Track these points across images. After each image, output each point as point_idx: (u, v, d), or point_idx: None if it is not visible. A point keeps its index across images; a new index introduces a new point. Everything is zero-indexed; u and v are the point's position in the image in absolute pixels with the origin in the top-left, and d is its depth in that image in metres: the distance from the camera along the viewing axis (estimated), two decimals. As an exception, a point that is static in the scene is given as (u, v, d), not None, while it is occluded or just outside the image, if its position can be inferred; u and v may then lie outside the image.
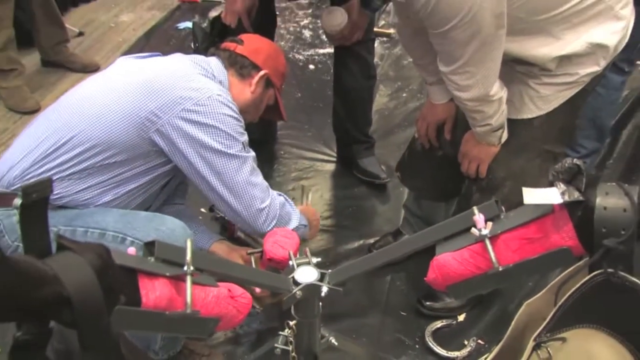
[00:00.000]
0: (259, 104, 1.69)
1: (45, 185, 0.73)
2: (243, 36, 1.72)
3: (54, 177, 1.39)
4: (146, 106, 1.40)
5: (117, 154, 1.42)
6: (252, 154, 1.51)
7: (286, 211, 1.57)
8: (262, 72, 1.63)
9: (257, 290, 1.32)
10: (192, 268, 0.90)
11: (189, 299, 0.87)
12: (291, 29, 3.74)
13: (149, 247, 0.91)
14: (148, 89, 1.41)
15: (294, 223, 1.57)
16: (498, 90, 1.43)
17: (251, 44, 1.67)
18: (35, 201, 0.71)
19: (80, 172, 1.41)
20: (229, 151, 1.44)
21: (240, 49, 1.64)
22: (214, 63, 1.59)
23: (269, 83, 1.68)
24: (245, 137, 1.49)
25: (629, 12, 1.42)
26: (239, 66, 1.62)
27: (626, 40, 1.45)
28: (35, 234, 0.72)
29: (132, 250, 0.91)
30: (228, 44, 1.67)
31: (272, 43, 1.81)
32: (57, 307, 0.66)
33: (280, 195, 1.60)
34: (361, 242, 2.18)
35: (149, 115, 1.40)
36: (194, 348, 1.66)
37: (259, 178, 1.51)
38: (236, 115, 1.47)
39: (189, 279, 0.89)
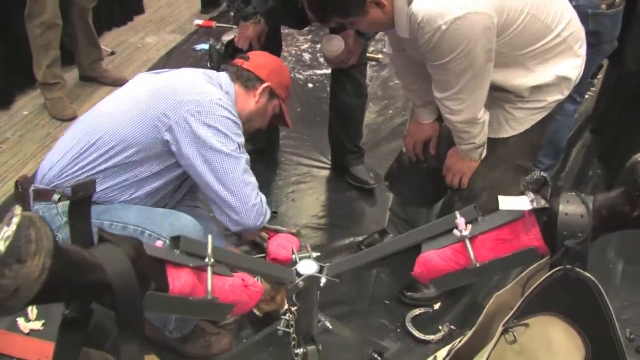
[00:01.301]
0: (264, 113, 1.67)
1: (90, 185, 0.74)
2: (250, 54, 1.72)
3: (85, 176, 1.39)
4: (157, 107, 1.41)
5: (135, 154, 1.41)
6: (247, 156, 1.49)
7: (266, 209, 1.54)
8: (265, 85, 1.62)
9: None
10: (212, 260, 0.90)
11: (210, 287, 0.87)
12: (293, 52, 3.75)
13: (175, 241, 0.91)
14: (160, 93, 1.43)
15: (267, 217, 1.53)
16: (483, 114, 1.45)
17: (256, 60, 1.66)
18: (82, 198, 0.72)
19: (104, 172, 1.41)
20: (225, 150, 1.41)
21: (247, 64, 1.64)
22: (223, 77, 1.59)
23: (273, 94, 1.67)
24: (241, 139, 1.47)
25: (584, 52, 1.48)
26: (245, 79, 1.62)
27: (581, 74, 1.49)
28: (80, 227, 0.73)
29: (160, 243, 0.92)
30: (237, 61, 1.67)
31: (277, 59, 1.79)
32: (99, 291, 0.67)
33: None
34: (352, 239, 2.18)
35: (160, 115, 1.40)
36: (205, 327, 1.66)
37: (252, 178, 1.48)
38: (234, 119, 1.46)
39: (209, 269, 0.89)
